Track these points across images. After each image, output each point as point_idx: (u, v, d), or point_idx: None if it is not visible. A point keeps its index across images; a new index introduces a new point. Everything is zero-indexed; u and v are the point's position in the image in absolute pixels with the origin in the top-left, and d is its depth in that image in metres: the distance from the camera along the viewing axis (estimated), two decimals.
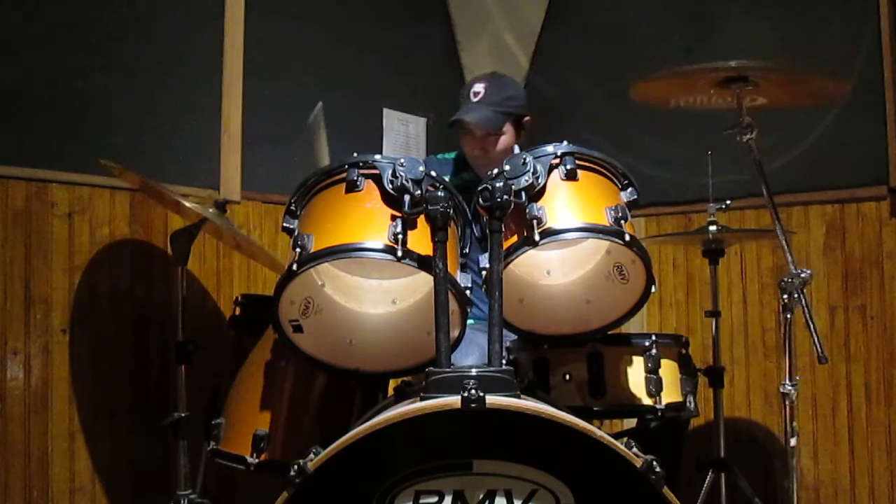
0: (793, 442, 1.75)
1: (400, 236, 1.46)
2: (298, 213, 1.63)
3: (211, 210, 2.03)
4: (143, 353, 2.35)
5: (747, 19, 2.91)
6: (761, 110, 2.04)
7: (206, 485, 2.11)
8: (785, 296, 1.76)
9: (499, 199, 1.42)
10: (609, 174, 1.67)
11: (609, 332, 1.77)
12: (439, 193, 1.42)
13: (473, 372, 1.33)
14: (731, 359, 2.91)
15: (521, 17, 3.53)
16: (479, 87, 2.33)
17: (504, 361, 1.42)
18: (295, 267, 1.49)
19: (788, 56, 2.76)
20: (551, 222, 1.53)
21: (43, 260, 2.18)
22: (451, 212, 1.44)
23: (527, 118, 2.40)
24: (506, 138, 2.33)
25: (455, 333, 1.56)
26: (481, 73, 2.56)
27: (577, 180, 1.60)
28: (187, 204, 1.96)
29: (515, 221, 1.54)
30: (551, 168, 1.58)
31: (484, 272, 1.49)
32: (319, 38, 2.96)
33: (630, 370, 1.88)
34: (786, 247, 1.81)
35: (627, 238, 1.54)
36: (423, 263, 1.47)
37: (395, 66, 3.26)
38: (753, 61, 1.82)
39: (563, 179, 1.59)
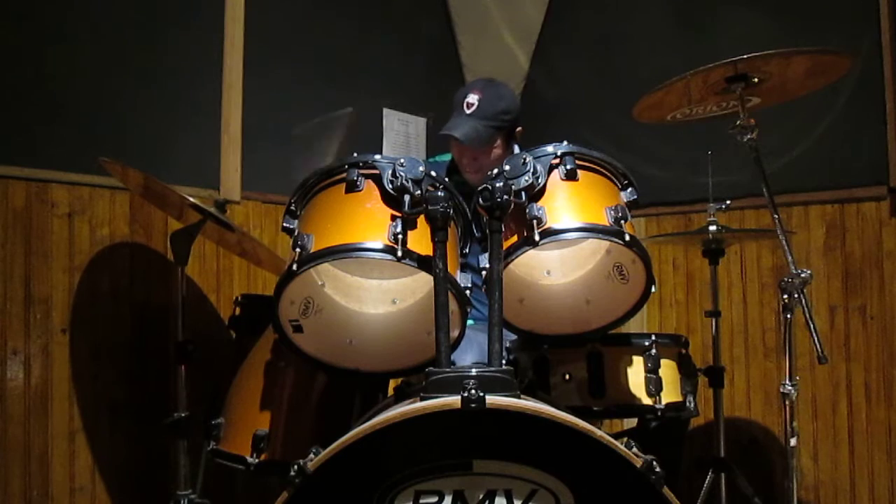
0: (793, 442, 1.75)
1: (400, 236, 1.46)
2: (298, 213, 1.63)
3: (212, 209, 2.03)
4: (143, 352, 2.35)
5: (746, 21, 2.91)
6: (761, 110, 2.04)
7: (206, 485, 2.11)
8: (785, 296, 1.76)
9: (499, 199, 1.42)
10: (609, 174, 1.67)
11: (609, 332, 1.76)
12: (439, 193, 1.42)
13: (473, 372, 1.33)
14: (731, 359, 2.91)
15: (521, 17, 3.53)
16: (472, 98, 2.28)
17: (504, 361, 1.42)
18: (295, 267, 1.49)
19: None
20: (551, 222, 1.53)
21: (43, 260, 2.18)
22: (451, 212, 1.44)
23: (518, 129, 2.36)
24: (496, 151, 2.30)
25: (455, 333, 1.56)
26: (478, 76, 2.53)
27: (577, 180, 1.60)
28: (192, 199, 1.95)
29: (515, 221, 1.54)
30: (551, 168, 1.58)
31: (484, 272, 1.49)
32: (320, 38, 2.96)
33: (630, 370, 1.88)
34: (786, 247, 1.81)
35: (627, 238, 1.54)
36: (423, 263, 1.47)
37: (395, 66, 3.26)
38: (757, 52, 1.82)
39: (563, 179, 1.59)
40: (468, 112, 2.27)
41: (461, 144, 2.28)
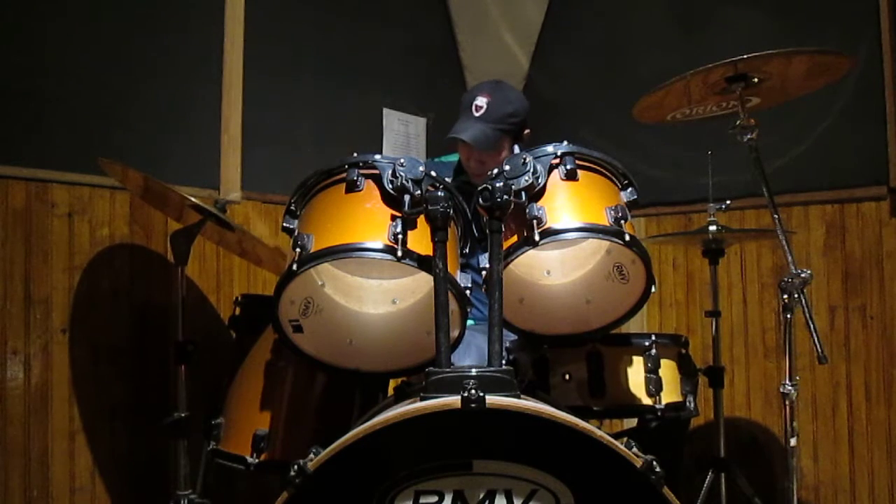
0: (793, 442, 1.75)
1: (400, 236, 1.46)
2: (298, 213, 1.63)
3: (212, 209, 2.02)
4: (143, 353, 2.35)
5: (746, 21, 2.91)
6: (761, 110, 2.04)
7: (206, 485, 2.11)
8: (785, 296, 1.76)
9: (499, 199, 1.42)
10: (609, 174, 1.67)
11: (609, 332, 1.76)
12: (439, 193, 1.42)
13: (473, 372, 1.33)
14: (731, 359, 2.91)
15: (521, 17, 3.53)
16: (481, 101, 2.27)
17: (504, 361, 1.42)
18: (295, 267, 1.49)
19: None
20: (551, 222, 1.53)
21: (43, 260, 2.18)
22: (451, 212, 1.44)
23: (526, 131, 2.36)
24: (504, 154, 2.29)
25: (455, 333, 1.56)
26: (478, 76, 2.52)
27: (577, 180, 1.60)
28: (192, 199, 1.95)
29: (515, 221, 1.54)
30: (551, 168, 1.58)
31: (484, 272, 1.49)
32: (319, 38, 2.96)
33: (630, 370, 1.88)
34: (786, 247, 1.81)
35: (627, 238, 1.54)
36: (423, 263, 1.47)
37: (395, 66, 3.26)
38: (757, 52, 1.82)
39: (563, 179, 1.59)
40: (476, 115, 2.27)
41: (469, 147, 2.28)
